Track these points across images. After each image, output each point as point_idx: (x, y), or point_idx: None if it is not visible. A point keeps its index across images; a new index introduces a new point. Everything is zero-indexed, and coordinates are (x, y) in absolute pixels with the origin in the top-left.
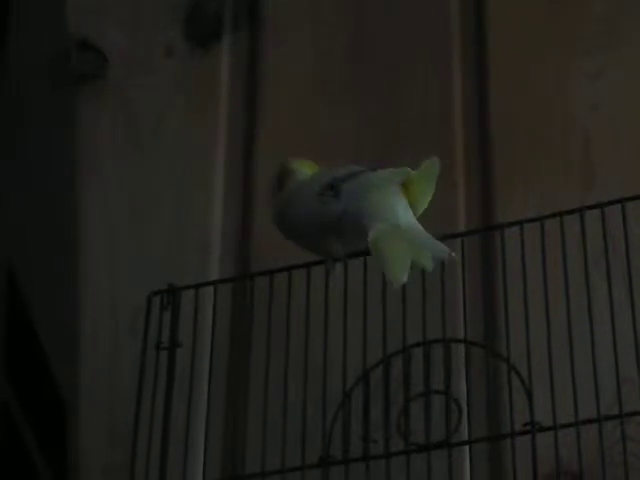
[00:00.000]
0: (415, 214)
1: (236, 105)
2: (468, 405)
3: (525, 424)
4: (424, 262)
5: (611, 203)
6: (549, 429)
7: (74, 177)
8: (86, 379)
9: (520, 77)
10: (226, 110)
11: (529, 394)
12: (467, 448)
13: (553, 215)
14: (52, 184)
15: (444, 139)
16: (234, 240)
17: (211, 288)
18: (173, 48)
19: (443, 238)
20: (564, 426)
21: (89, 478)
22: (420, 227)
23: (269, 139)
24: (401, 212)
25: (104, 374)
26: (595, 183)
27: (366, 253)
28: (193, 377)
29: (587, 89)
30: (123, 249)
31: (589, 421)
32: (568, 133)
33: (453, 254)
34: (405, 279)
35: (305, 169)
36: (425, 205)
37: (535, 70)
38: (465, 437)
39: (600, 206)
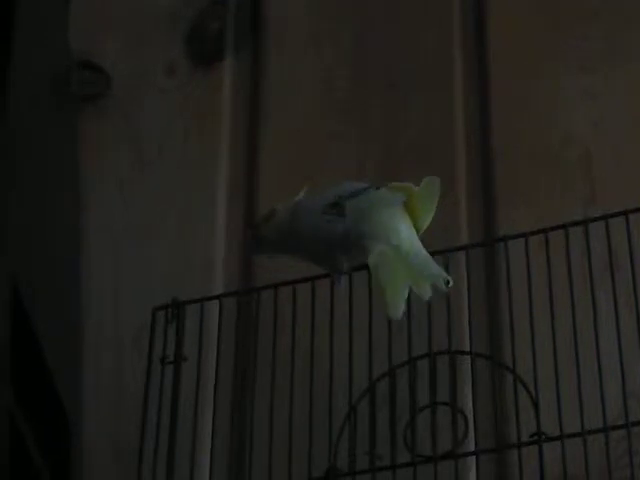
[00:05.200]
0: (418, 231)
1: (239, 123)
2: (474, 416)
3: (532, 435)
4: (422, 291)
5: (615, 215)
6: (556, 439)
7: (77, 195)
8: (91, 394)
9: (521, 93)
10: (228, 128)
11: (535, 405)
12: (474, 459)
13: (558, 227)
14: (55, 202)
15: (446, 156)
16: (238, 254)
17: (216, 302)
18: (175, 67)
19: (448, 251)
20: (570, 436)
21: None
22: (421, 248)
23: (272, 157)
24: (403, 232)
25: (109, 389)
26: (597, 198)
27: None
28: (199, 391)
29: (587, 105)
30: (127, 265)
31: (596, 431)
32: (569, 148)
33: (451, 282)
34: (401, 312)
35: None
36: (427, 222)
37: (536, 86)
38: (471, 448)
39: (604, 218)
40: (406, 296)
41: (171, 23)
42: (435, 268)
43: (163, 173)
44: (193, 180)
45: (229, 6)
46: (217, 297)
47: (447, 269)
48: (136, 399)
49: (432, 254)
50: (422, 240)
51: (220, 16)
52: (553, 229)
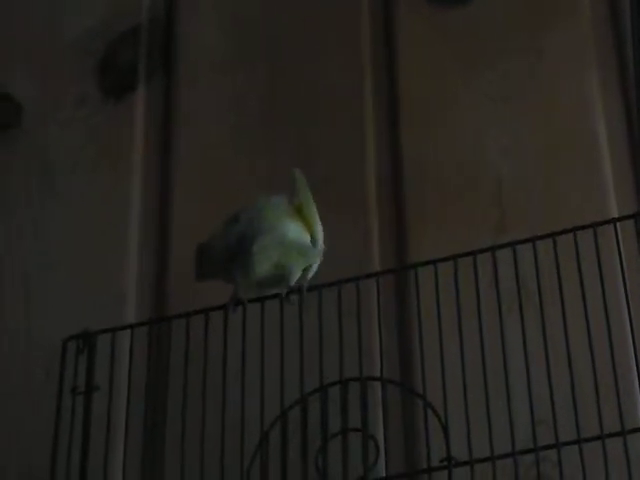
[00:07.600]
0: (315, 234)
1: (151, 153)
2: (385, 442)
3: (442, 459)
4: (290, 261)
5: (522, 242)
6: (465, 464)
7: None
8: (1, 425)
9: (431, 122)
10: (141, 158)
11: (445, 430)
12: None
13: (466, 254)
14: None
15: (358, 184)
16: (150, 284)
17: (127, 332)
18: (86, 97)
19: (358, 279)
20: (480, 461)
21: None
22: (305, 241)
23: (184, 187)
24: (289, 229)
25: (20, 420)
26: (507, 225)
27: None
28: (110, 421)
29: (497, 133)
30: (38, 295)
31: (504, 456)
32: (480, 177)
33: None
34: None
35: None
36: (316, 218)
37: (446, 115)
38: (382, 473)
39: (511, 244)
40: (271, 264)
41: (83, 54)
42: (311, 250)
43: (75, 203)
44: (105, 210)
45: (141, 37)
46: (129, 326)
47: (358, 296)
48: (48, 429)
49: (343, 281)
50: (336, 267)
51: (132, 47)
52: (462, 256)
